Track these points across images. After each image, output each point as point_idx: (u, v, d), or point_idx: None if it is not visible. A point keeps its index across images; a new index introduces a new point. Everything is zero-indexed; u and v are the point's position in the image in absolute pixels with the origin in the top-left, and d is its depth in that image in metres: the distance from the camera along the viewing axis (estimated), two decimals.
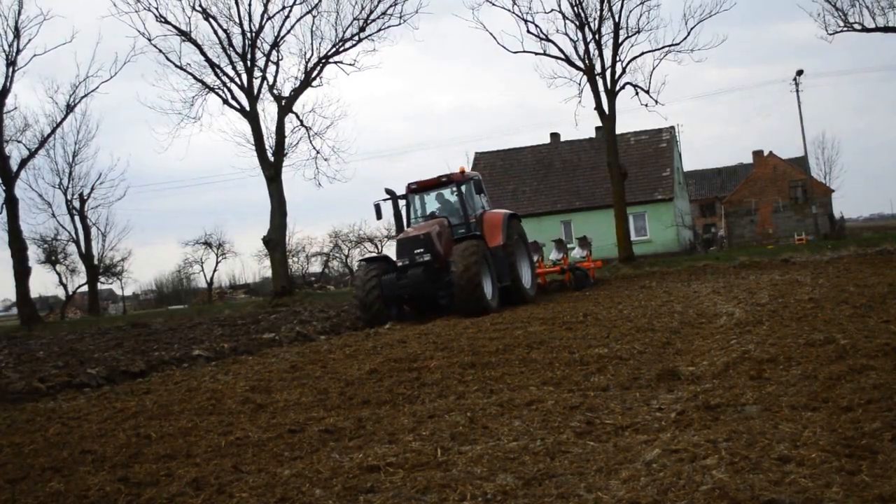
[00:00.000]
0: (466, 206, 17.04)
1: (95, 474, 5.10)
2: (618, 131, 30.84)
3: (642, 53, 32.84)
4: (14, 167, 34.36)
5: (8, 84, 33.32)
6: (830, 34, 28.22)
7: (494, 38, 31.63)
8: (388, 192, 17.62)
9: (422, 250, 15.60)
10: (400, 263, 15.82)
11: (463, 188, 17.11)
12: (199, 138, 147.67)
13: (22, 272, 33.71)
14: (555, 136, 51.12)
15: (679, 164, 49.67)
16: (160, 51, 30.18)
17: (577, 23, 28.94)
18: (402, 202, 17.58)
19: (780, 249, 30.82)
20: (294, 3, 30.43)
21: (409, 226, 17.24)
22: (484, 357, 8.40)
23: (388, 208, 17.57)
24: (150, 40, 30.02)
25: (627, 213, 31.39)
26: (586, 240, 22.24)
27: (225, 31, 30.16)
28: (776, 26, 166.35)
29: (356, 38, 30.59)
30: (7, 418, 8.09)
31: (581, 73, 29.31)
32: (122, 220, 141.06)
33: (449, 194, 17.41)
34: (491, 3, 29.24)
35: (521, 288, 17.10)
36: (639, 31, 28.85)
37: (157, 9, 29.58)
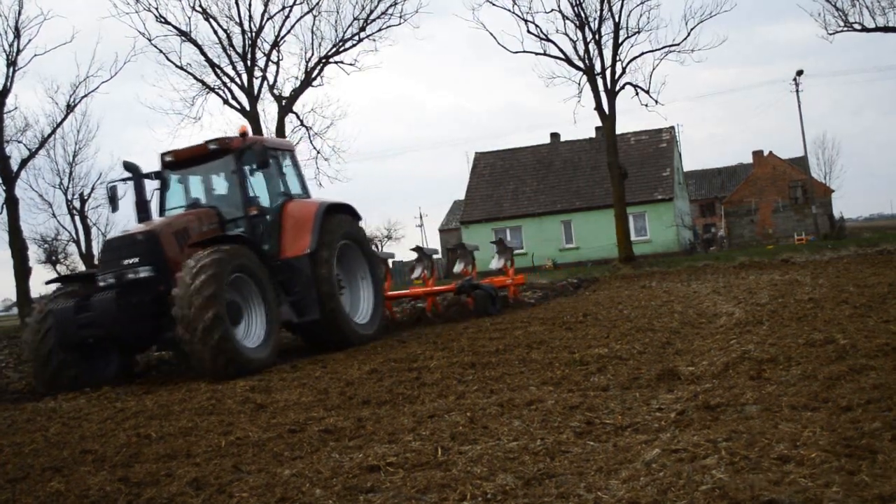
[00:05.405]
0: (246, 190, 10.77)
1: (95, 474, 5.10)
2: (618, 131, 30.88)
3: (642, 53, 32.85)
4: (14, 167, 34.31)
5: (8, 84, 33.29)
6: (831, 34, 28.34)
7: (495, 38, 31.68)
8: (129, 167, 11.19)
9: (136, 260, 9.58)
10: (101, 283, 9.72)
11: (244, 161, 10.79)
12: (200, 138, 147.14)
13: (22, 272, 33.72)
14: (555, 136, 51.18)
15: (679, 164, 49.71)
16: (160, 51, 30.23)
17: (577, 23, 29.01)
18: (154, 184, 11.33)
19: (779, 249, 30.80)
20: (294, 3, 30.47)
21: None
22: (484, 357, 8.41)
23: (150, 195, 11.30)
24: (150, 40, 30.03)
25: (627, 213, 31.42)
26: (505, 244, 16.80)
27: (225, 31, 30.20)
28: (776, 26, 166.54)
29: (356, 37, 30.65)
30: (7, 418, 8.11)
31: (581, 73, 29.36)
32: (123, 220, 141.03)
33: (229, 172, 11.05)
34: (491, 3, 29.31)
35: (344, 322, 10.93)
36: (639, 32, 29.00)
37: (157, 9, 29.61)
